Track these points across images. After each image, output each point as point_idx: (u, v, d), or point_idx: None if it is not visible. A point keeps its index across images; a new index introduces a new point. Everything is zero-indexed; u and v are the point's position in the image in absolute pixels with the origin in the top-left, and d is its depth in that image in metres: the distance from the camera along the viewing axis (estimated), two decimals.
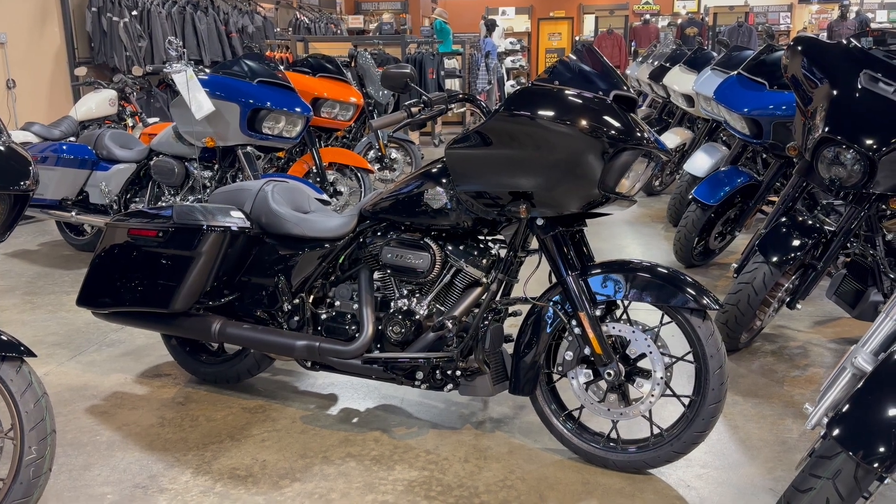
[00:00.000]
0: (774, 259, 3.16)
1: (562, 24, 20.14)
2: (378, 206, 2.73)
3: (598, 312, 2.46)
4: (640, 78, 9.42)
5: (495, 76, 12.16)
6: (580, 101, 2.29)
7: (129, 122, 7.26)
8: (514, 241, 2.58)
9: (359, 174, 5.89)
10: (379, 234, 2.77)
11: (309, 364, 2.84)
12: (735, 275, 3.49)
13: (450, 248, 2.64)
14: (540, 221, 2.44)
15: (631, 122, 2.29)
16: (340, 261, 2.88)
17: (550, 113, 2.26)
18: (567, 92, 2.32)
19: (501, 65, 14.09)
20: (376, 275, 2.80)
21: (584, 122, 2.24)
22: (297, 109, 4.64)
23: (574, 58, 2.44)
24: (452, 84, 10.71)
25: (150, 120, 7.34)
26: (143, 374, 3.37)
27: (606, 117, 2.26)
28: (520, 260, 2.63)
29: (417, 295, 2.73)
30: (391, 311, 2.73)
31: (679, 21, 14.51)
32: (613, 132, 2.24)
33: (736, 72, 4.57)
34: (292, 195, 3.09)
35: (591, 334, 2.43)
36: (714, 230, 4.69)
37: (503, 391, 2.68)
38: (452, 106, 2.59)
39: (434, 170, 2.60)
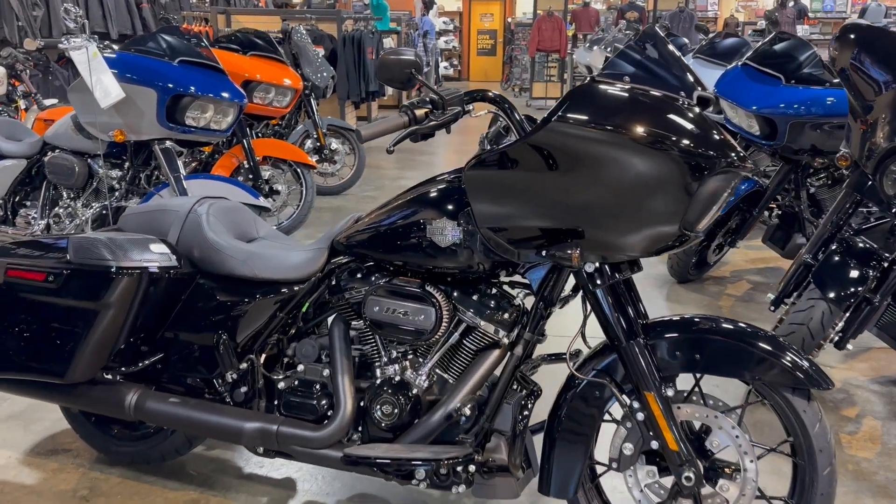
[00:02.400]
0: (833, 295, 2.59)
1: (494, 4, 19.49)
2: (356, 239, 2.01)
3: (670, 392, 1.82)
4: (592, 64, 8.87)
5: (433, 57, 11.42)
6: (666, 107, 1.63)
7: (22, 104, 6.17)
8: (545, 290, 1.91)
9: (299, 170, 5.11)
10: (359, 275, 2.05)
11: (262, 450, 2.10)
12: (772, 307, 2.92)
13: (458, 297, 1.94)
14: (590, 267, 1.78)
15: (724, 134, 1.65)
16: (305, 308, 2.15)
17: (629, 123, 1.59)
18: (646, 94, 1.65)
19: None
20: (354, 326, 2.09)
21: (676, 137, 1.58)
22: (229, 96, 3.82)
23: (641, 43, 1.77)
24: None
25: (47, 102, 6.26)
26: (32, 450, 2.55)
27: (699, 129, 1.62)
28: (550, 312, 1.96)
29: (412, 358, 2.03)
30: (378, 381, 2.02)
31: (619, 5, 14.08)
32: (711, 150, 1.59)
33: (740, 62, 4.02)
34: (233, 218, 2.32)
35: (662, 423, 1.79)
36: (714, 241, 4.14)
37: (526, 484, 2.02)
38: (470, 108, 1.88)
39: (436, 193, 1.90)
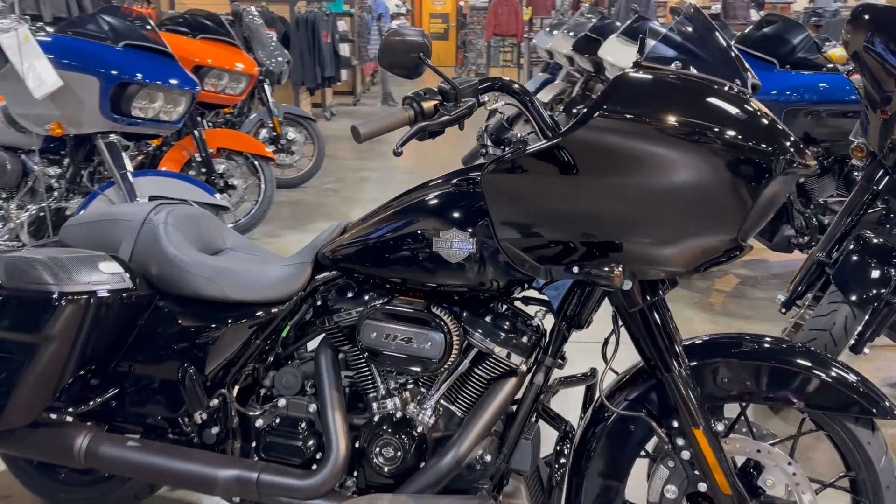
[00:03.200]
0: (856, 297, 2.40)
1: None
2: (345, 252, 1.72)
3: (720, 427, 1.58)
4: (555, 49, 8.63)
5: None
6: (729, 99, 1.38)
7: None
8: (568, 309, 1.65)
9: (256, 162, 4.75)
10: (349, 294, 1.76)
11: (238, 500, 1.80)
12: (783, 310, 2.73)
13: (468, 318, 1.67)
14: (627, 285, 1.52)
15: (784, 127, 1.41)
16: (285, 333, 1.85)
17: (689, 117, 1.34)
18: (705, 82, 1.40)
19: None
20: (343, 351, 1.80)
21: (742, 134, 1.34)
22: (180, 83, 3.46)
23: (686, 24, 1.52)
24: (344, 50, 9.52)
25: None
26: None
27: (764, 124, 1.37)
28: (570, 333, 1.70)
29: (414, 388, 1.76)
30: (375, 417, 1.74)
31: None
32: (778, 149, 1.35)
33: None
34: (196, 226, 2.00)
35: (713, 463, 1.55)
36: None
37: None
38: (485, 100, 1.60)
39: (442, 199, 1.63)
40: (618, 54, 5.99)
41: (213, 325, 1.82)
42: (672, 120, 1.34)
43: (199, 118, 4.57)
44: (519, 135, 1.99)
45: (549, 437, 1.75)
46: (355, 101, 11.34)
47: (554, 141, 1.41)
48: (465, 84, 1.54)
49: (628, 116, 1.35)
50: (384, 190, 6.02)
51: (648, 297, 1.53)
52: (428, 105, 1.50)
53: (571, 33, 8.10)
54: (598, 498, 1.66)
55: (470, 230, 1.57)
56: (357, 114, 10.42)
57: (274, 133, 5.81)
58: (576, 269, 1.48)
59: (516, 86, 1.59)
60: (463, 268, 1.59)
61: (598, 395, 1.69)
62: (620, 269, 1.42)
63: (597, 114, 1.36)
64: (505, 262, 1.55)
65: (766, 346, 1.63)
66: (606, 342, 1.72)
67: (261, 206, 4.79)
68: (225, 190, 4.54)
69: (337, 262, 1.74)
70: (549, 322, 1.70)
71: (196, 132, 4.44)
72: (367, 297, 1.74)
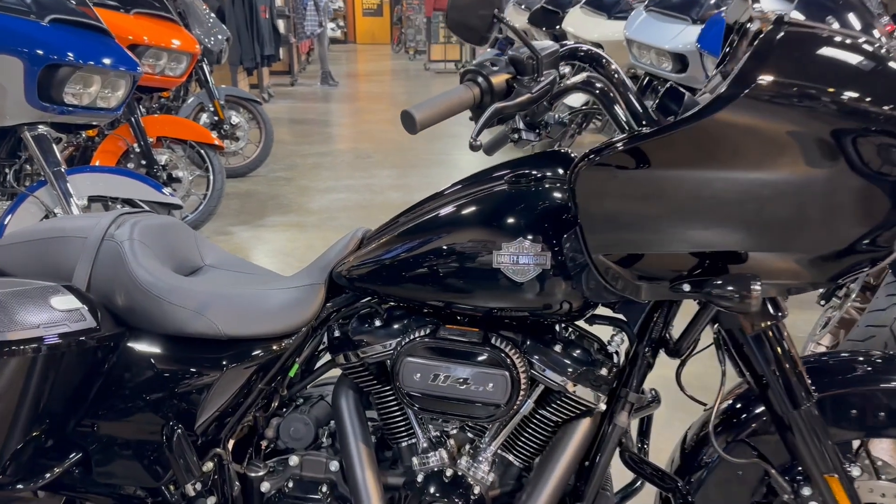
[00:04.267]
0: None
1: None
2: (370, 270, 1.36)
3: (856, 471, 1.30)
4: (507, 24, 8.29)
5: (326, 17, 10.51)
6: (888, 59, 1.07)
7: None
8: (654, 331, 1.34)
9: (203, 152, 4.28)
10: (377, 323, 1.40)
11: None
12: (822, 301, 2.48)
13: (531, 348, 1.34)
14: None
15: None
16: (293, 372, 1.48)
17: (859, 88, 1.03)
18: (864, 42, 1.09)
19: None
20: (367, 391, 1.45)
21: None
22: (119, 64, 2.98)
23: None
24: (281, 27, 8.97)
25: None
26: None
27: None
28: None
29: (457, 435, 1.42)
30: (417, 475, 1.40)
31: None
32: None
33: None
34: (168, 241, 1.60)
35: None
36: None
37: None
38: (566, 72, 1.26)
39: (498, 203, 1.29)
40: (584, 26, 5.71)
41: (203, 370, 1.43)
42: (850, 93, 1.02)
43: (135, 104, 4.08)
44: (557, 116, 1.65)
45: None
46: (292, 82, 10.79)
47: (682, 124, 1.07)
48: (546, 50, 1.19)
49: (795, 89, 1.02)
50: (342, 177, 5.61)
51: (774, 315, 1.22)
52: (498, 80, 1.16)
53: (524, 6, 7.78)
54: None
55: (543, 241, 1.23)
56: (295, 94, 9.90)
57: (216, 118, 5.32)
58: (687, 288, 1.16)
59: (595, 52, 1.26)
60: (532, 287, 1.25)
61: (689, 435, 1.39)
62: (759, 286, 1.10)
63: (752, 85, 1.03)
64: (592, 281, 1.22)
65: (880, 363, 1.35)
66: (680, 369, 1.41)
67: (210, 201, 4.33)
68: (169, 183, 4.07)
69: (359, 281, 1.38)
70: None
71: (133, 120, 3.97)
72: (401, 327, 1.38)
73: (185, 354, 1.44)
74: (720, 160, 1.07)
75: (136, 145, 3.98)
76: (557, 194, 1.27)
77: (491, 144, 1.69)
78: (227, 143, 5.43)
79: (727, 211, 1.10)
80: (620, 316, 1.40)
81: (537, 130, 1.47)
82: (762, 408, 1.33)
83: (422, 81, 11.40)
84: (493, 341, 1.31)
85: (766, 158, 1.05)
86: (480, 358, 1.30)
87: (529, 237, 1.24)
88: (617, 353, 1.38)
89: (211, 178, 4.28)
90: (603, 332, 1.40)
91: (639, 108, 1.21)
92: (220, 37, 5.38)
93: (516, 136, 1.46)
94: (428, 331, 1.34)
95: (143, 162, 4.00)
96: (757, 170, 1.06)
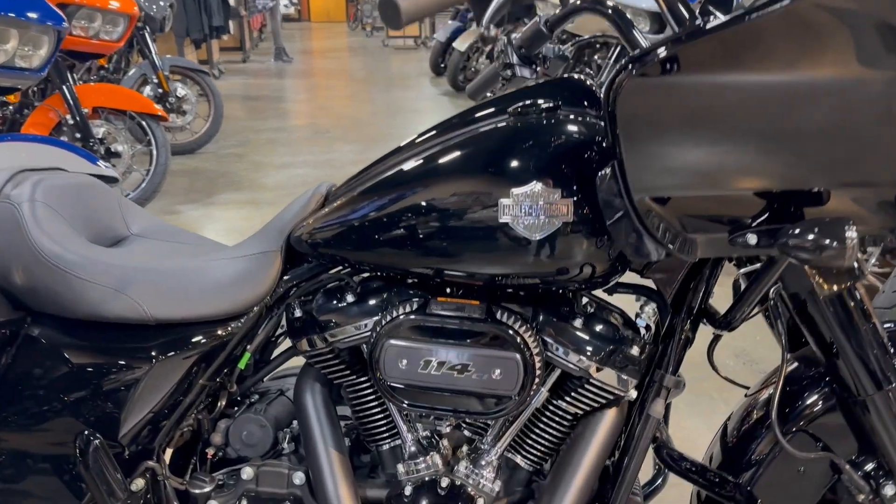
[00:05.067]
0: None
1: None
2: (338, 232, 1.07)
3: None
4: None
5: None
6: None
7: None
8: (693, 298, 1.08)
9: (145, 123, 3.92)
10: (349, 297, 1.11)
11: None
12: None
13: (544, 324, 1.06)
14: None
15: None
16: (244, 363, 1.19)
17: None
18: None
19: None
20: (339, 382, 1.17)
21: None
22: (40, 17, 2.62)
23: None
24: None
25: None
26: None
27: None
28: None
29: (451, 434, 1.15)
30: (404, 485, 1.12)
31: None
32: None
33: None
34: (83, 204, 1.29)
35: None
36: None
37: None
38: None
39: (504, 140, 1.01)
40: None
41: (126, 363, 1.13)
42: None
43: (68, 71, 3.71)
44: (557, 48, 1.39)
45: None
46: (244, 58, 10.34)
47: (773, 5, 0.80)
48: None
49: None
50: (299, 153, 5.27)
51: (856, 272, 0.96)
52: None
53: None
54: None
55: (562, 185, 0.96)
56: (247, 71, 9.47)
57: (160, 90, 4.93)
58: (754, 240, 0.89)
59: None
60: (548, 245, 0.98)
61: (730, 428, 1.14)
62: (854, 232, 0.84)
63: None
64: (626, 235, 0.94)
65: None
66: (713, 346, 1.16)
67: (153, 177, 3.97)
68: (107, 158, 3.71)
69: (324, 247, 1.09)
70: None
71: (65, 88, 3.60)
72: (379, 302, 1.10)
73: (104, 344, 1.14)
74: (812, 59, 0.80)
75: (69, 116, 3.63)
76: (575, 127, 0.99)
77: (478, 87, 1.44)
78: (174, 118, 5.04)
79: (817, 129, 0.83)
80: (650, 284, 1.13)
81: (534, 66, 1.24)
82: (827, 391, 1.08)
83: (381, 57, 11.03)
84: (498, 316, 1.03)
85: (877, 52, 0.79)
86: (483, 337, 1.02)
87: (544, 181, 0.96)
88: (648, 327, 1.11)
89: (154, 152, 3.92)
90: (624, 304, 1.14)
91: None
92: (162, 2, 4.97)
93: (509, 72, 1.24)
94: (415, 306, 1.06)
95: (78, 135, 3.68)
96: (862, 69, 0.80)
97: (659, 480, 1.27)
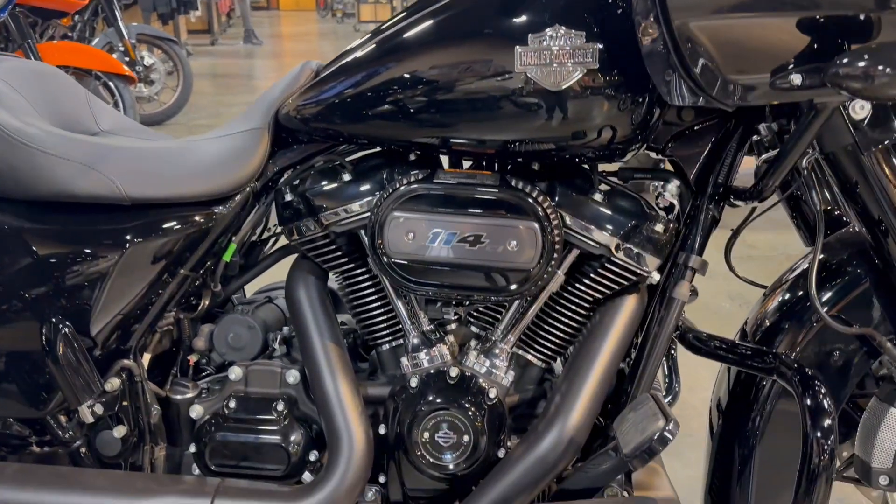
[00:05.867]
0: None
1: None
2: (332, 104, 0.97)
3: None
4: None
5: None
6: None
7: None
8: (721, 172, 1.00)
9: (112, 84, 3.77)
10: (345, 176, 1.01)
11: None
12: None
13: (563, 198, 0.97)
14: (863, 110, 0.88)
15: None
16: (229, 254, 1.08)
17: None
18: None
19: None
20: (337, 274, 1.07)
21: None
22: None
23: None
24: None
25: None
26: None
27: None
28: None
29: (458, 329, 1.06)
30: (409, 380, 1.03)
31: None
32: None
33: None
34: (49, 93, 1.18)
35: None
36: None
37: None
38: None
39: None
40: None
41: (97, 248, 1.02)
42: None
43: (31, 29, 3.54)
44: None
45: None
46: (213, 41, 10.11)
47: None
48: None
49: None
50: None
51: None
52: None
53: None
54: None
55: (586, 27, 0.87)
56: (216, 53, 9.26)
57: (127, 58, 4.74)
58: (799, 80, 0.81)
59: None
60: (569, 100, 0.89)
61: (749, 326, 1.07)
62: None
63: None
64: (664, 69, 0.85)
65: None
66: (732, 241, 1.08)
67: None
68: None
69: (316, 121, 0.99)
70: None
71: (28, 44, 3.43)
72: (379, 179, 1.00)
73: (71, 227, 1.02)
74: None
75: None
76: None
77: None
78: (141, 87, 4.88)
79: None
80: (671, 157, 1.05)
81: None
82: (862, 267, 1.00)
83: (352, 40, 10.87)
84: (513, 183, 0.94)
85: None
86: (498, 205, 0.93)
87: (567, 23, 0.87)
88: (672, 206, 1.03)
89: (122, 112, 3.75)
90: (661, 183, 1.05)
91: None
92: None
93: None
94: (421, 176, 0.96)
95: None
96: None
97: (671, 393, 1.19)
